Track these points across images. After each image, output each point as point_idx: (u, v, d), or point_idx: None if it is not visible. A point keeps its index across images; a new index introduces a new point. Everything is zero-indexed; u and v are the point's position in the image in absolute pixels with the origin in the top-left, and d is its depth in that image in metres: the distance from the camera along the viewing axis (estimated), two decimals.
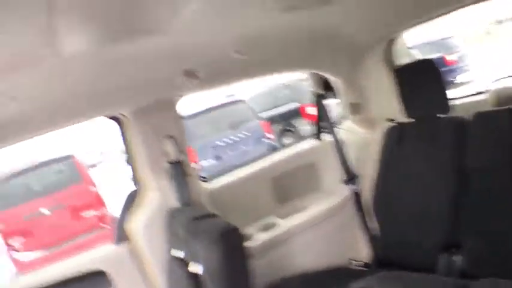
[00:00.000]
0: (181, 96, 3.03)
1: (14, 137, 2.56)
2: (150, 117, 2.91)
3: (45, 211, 9.15)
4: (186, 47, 2.40)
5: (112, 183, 13.92)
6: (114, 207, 9.39)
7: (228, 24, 2.29)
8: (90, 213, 9.39)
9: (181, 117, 3.12)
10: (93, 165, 17.89)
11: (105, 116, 2.92)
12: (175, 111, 3.05)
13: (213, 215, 2.59)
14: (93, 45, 1.87)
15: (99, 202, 9.62)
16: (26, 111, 2.36)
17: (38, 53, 1.75)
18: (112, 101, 2.76)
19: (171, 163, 2.96)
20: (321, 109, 3.56)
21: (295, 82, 13.98)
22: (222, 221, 2.46)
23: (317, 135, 3.66)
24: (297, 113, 13.83)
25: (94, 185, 9.94)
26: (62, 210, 9.24)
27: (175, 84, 2.77)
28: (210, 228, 2.31)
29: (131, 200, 3.08)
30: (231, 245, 2.20)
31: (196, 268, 2.34)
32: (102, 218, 9.43)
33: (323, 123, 3.59)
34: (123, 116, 2.93)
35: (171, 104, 3.01)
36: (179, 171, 2.96)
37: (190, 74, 2.65)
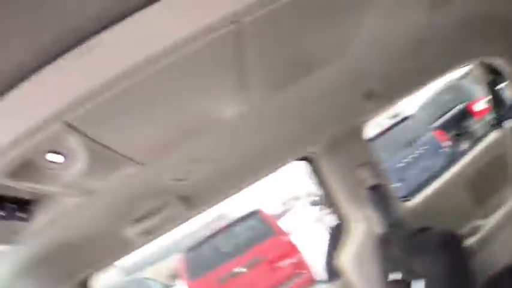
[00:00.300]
0: (366, 120, 3.01)
1: (209, 201, 2.67)
2: (340, 149, 2.92)
3: (240, 270, 9.34)
4: (363, 69, 2.37)
5: (301, 228, 14.07)
6: (307, 251, 9.52)
7: (399, 34, 2.25)
8: (285, 263, 9.44)
9: (370, 141, 3.11)
10: (279, 215, 18.28)
11: (295, 159, 2.96)
12: (362, 137, 3.04)
13: (426, 228, 2.53)
14: (277, 90, 1.90)
15: (293, 250, 9.67)
16: (215, 173, 2.41)
17: (227, 110, 1.79)
18: (301, 142, 2.78)
19: (370, 189, 2.94)
20: (495, 96, 3.37)
21: (454, 83, 13.32)
22: (436, 230, 2.40)
23: (498, 125, 3.43)
24: (466, 113, 13.09)
25: (285, 234, 10.03)
26: (258, 265, 9.37)
27: (358, 110, 2.76)
28: (428, 240, 2.27)
29: (335, 236, 3.10)
30: (453, 250, 2.15)
31: (417, 285, 2.30)
32: (298, 265, 9.45)
33: (500, 110, 3.38)
34: (313, 153, 2.97)
35: (358, 131, 3.01)
36: (380, 195, 2.93)
37: (370, 96, 2.61)
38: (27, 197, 1.58)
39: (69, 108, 1.14)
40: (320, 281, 7.82)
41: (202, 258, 9.75)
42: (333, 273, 3.03)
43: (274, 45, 1.49)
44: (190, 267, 9.70)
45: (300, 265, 9.47)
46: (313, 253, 8.64)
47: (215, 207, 2.81)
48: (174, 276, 14.55)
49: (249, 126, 2.18)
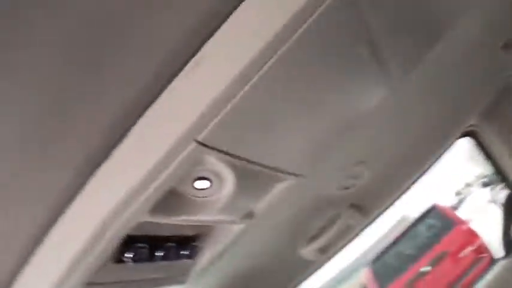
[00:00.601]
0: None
1: (381, 204, 2.45)
2: (498, 110, 2.60)
3: (426, 269, 8.86)
4: (490, 20, 2.01)
5: (476, 212, 13.34)
6: (485, 233, 9.00)
7: None
8: (467, 251, 8.87)
9: None
10: (455, 206, 17.45)
11: (456, 137, 2.63)
12: None
13: None
14: (414, 62, 1.58)
15: (473, 236, 9.08)
16: (381, 173, 2.16)
17: (371, 97, 1.51)
18: (456, 117, 2.46)
19: None
20: None
21: None
22: None
23: None
24: None
25: (464, 222, 9.46)
26: (442, 260, 8.88)
27: (503, 64, 2.37)
28: None
29: (509, 208, 2.82)
30: None
31: None
32: (479, 250, 8.79)
33: None
34: (473, 126, 2.66)
35: (510, 86, 2.62)
36: None
37: (509, 46, 2.23)
38: (188, 233, 1.43)
39: (197, 126, 0.98)
40: (498, 259, 7.41)
41: (388, 266, 9.44)
42: (511, 247, 2.81)
43: (396, 4, 1.24)
44: (378, 278, 9.45)
45: (481, 249, 8.79)
46: (490, 233, 7.93)
47: (393, 211, 2.63)
48: None
49: (398, 113, 1.88)
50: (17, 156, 0.98)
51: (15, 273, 1.17)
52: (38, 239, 1.13)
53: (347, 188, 2.03)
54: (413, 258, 9.13)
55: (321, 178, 1.76)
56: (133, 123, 1.02)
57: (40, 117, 0.93)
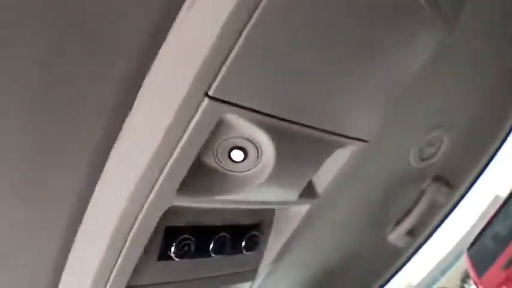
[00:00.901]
0: None
1: (467, 175, 2.13)
2: None
3: None
4: None
5: None
6: None
7: None
8: None
9: None
10: None
11: None
12: None
13: None
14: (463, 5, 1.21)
15: None
16: (460, 137, 1.84)
17: (429, 40, 1.08)
18: None
19: None
20: None
21: None
22: None
23: None
24: None
25: None
26: None
27: None
28: None
29: None
30: None
31: None
32: None
33: None
34: None
35: None
36: None
37: None
38: (245, 221, 1.19)
39: (202, 76, 0.72)
40: None
41: (484, 250, 8.79)
42: None
43: None
44: (476, 262, 8.82)
45: None
46: None
47: (486, 192, 2.27)
48: (466, 278, 13.41)
49: (462, 62, 1.53)
50: (27, 158, 0.81)
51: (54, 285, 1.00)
52: (67, 243, 0.95)
53: (427, 159, 1.75)
54: (508, 239, 8.38)
55: (394, 147, 1.49)
56: (134, 95, 0.82)
57: (42, 106, 0.76)
